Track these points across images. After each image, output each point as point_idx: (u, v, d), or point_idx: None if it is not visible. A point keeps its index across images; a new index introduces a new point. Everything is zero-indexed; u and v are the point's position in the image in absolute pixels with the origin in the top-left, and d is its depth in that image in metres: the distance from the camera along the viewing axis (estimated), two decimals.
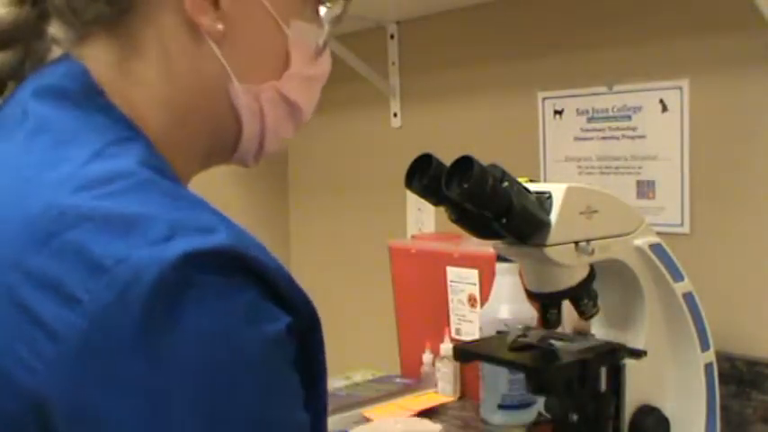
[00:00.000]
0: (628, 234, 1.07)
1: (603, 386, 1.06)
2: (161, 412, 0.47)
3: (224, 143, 0.68)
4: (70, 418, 0.47)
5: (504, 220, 0.93)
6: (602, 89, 1.56)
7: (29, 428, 0.48)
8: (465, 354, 1.15)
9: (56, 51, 0.66)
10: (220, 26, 0.63)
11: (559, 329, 1.10)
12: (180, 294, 0.48)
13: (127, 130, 0.60)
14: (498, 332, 1.26)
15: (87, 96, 0.60)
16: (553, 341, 1.07)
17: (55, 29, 0.65)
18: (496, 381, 1.34)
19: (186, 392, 0.47)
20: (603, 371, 1.06)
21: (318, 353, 0.56)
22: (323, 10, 0.70)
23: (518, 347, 1.07)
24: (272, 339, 0.51)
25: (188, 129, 0.64)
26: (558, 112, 1.63)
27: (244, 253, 0.51)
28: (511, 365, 1.15)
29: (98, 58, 0.62)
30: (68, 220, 0.50)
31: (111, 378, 0.47)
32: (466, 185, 0.91)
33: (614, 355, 1.05)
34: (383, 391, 1.63)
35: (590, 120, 1.58)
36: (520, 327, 1.13)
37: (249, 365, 0.49)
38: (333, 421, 1.47)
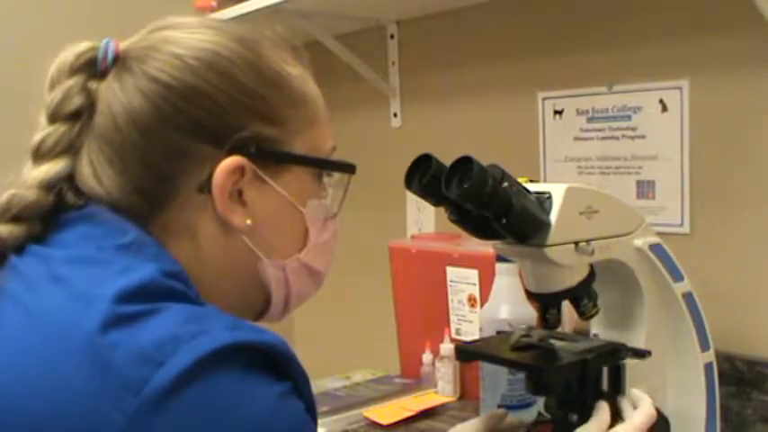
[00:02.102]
0: (628, 234, 1.07)
1: (604, 386, 1.06)
2: None
3: (252, 309, 0.77)
4: None
5: (503, 221, 0.93)
6: (602, 89, 1.56)
7: None
8: (466, 353, 1.14)
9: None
10: (249, 221, 0.71)
11: (559, 329, 1.10)
12: (235, 365, 0.58)
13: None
14: (498, 332, 1.26)
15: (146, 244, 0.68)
16: (555, 341, 1.07)
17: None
18: (496, 381, 1.34)
19: None
20: (604, 371, 1.06)
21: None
22: (328, 178, 0.79)
23: (519, 347, 1.07)
24: (300, 420, 0.62)
25: (216, 299, 0.69)
26: (558, 112, 1.63)
27: (288, 350, 0.62)
28: (512, 365, 1.15)
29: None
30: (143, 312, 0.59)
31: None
32: (466, 186, 0.91)
33: (615, 356, 1.05)
34: (383, 391, 1.63)
35: (590, 120, 1.58)
36: (523, 327, 1.13)
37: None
38: (333, 421, 1.47)
